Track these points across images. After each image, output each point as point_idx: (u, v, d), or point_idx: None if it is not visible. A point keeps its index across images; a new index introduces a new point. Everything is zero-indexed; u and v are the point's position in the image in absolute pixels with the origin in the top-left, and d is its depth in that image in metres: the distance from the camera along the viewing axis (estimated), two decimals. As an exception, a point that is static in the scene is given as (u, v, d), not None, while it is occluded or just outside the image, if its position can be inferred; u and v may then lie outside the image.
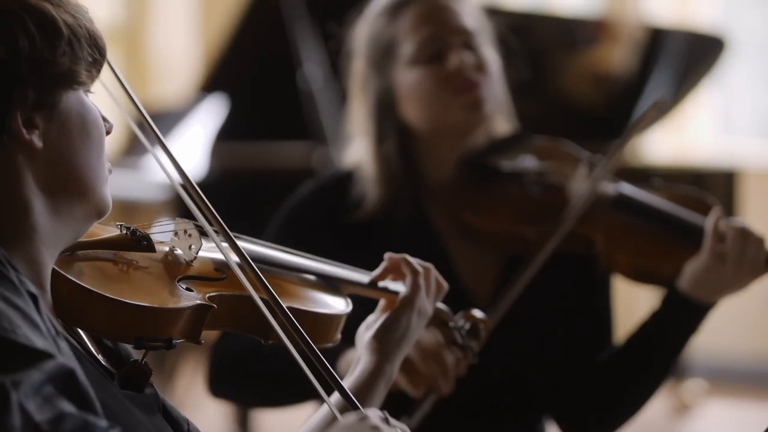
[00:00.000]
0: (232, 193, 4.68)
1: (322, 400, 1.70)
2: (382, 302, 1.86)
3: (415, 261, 1.85)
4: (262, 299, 1.59)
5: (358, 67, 2.51)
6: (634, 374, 2.42)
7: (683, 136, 6.76)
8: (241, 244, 1.62)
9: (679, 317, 2.36)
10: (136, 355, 1.61)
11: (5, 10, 1.46)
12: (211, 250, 1.68)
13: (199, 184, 1.62)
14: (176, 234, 1.67)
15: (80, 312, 1.52)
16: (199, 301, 1.58)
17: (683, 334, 2.38)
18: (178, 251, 1.66)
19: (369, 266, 1.89)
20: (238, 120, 5.22)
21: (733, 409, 6.16)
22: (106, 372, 1.54)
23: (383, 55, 2.46)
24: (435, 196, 2.50)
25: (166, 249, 1.66)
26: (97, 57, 1.53)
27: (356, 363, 1.81)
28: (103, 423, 1.31)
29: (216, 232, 1.61)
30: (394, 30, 2.45)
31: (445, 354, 2.12)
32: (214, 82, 5.31)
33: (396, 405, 1.93)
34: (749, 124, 6.92)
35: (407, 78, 2.44)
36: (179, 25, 7.83)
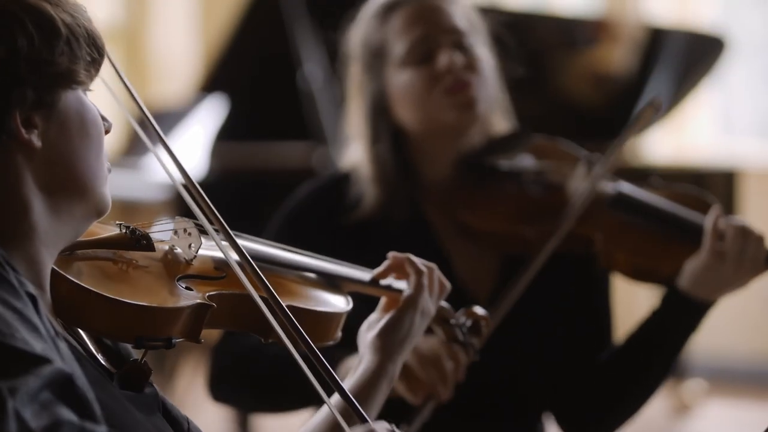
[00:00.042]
0: (232, 193, 4.68)
1: (322, 404, 1.71)
2: (383, 301, 1.87)
3: (419, 261, 1.85)
4: (262, 298, 1.59)
5: (353, 70, 2.52)
6: (634, 373, 2.42)
7: (683, 136, 6.76)
8: (241, 242, 1.62)
9: (679, 316, 2.36)
10: (136, 354, 1.61)
11: (4, 10, 1.46)
12: (211, 249, 1.68)
13: (199, 184, 1.62)
14: (176, 233, 1.67)
15: (79, 312, 1.51)
16: (198, 300, 1.58)
17: (683, 333, 2.38)
18: (178, 250, 1.66)
19: (367, 266, 1.90)
20: (238, 120, 5.23)
21: (733, 409, 6.16)
22: (105, 372, 1.54)
23: (375, 58, 2.47)
24: (432, 196, 2.50)
25: (166, 248, 1.65)
26: (96, 56, 1.52)
27: (358, 362, 1.81)
28: (101, 430, 1.30)
29: (216, 230, 1.61)
30: (384, 32, 2.46)
31: (443, 360, 2.13)
32: (214, 82, 5.32)
33: (395, 412, 1.94)
34: (749, 124, 6.92)
35: (399, 80, 2.44)
36: (179, 25, 7.83)
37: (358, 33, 2.50)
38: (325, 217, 2.48)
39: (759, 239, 2.32)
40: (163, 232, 1.67)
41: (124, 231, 1.61)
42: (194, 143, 5.20)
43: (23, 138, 1.47)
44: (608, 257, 2.43)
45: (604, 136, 3.72)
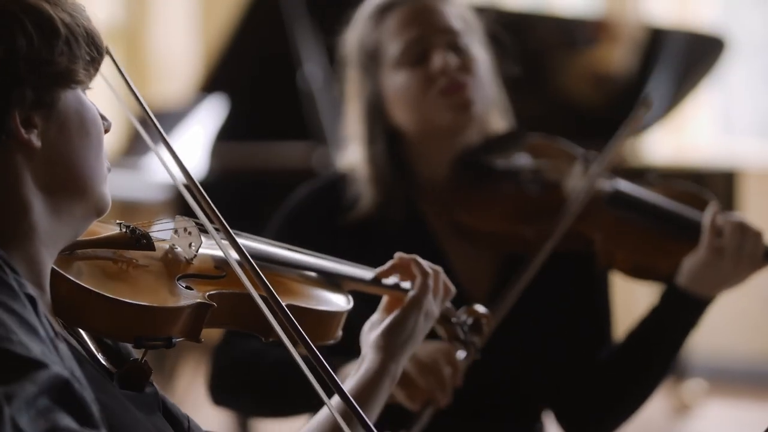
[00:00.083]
0: (232, 193, 4.68)
1: (323, 407, 1.70)
2: (385, 300, 1.87)
3: (425, 263, 1.86)
4: (262, 297, 1.59)
5: (349, 72, 2.52)
6: (634, 371, 2.42)
7: (683, 136, 6.76)
8: (241, 241, 1.61)
9: (678, 312, 2.36)
10: (137, 353, 1.61)
11: (3, 10, 1.46)
12: (211, 248, 1.67)
13: (199, 184, 1.61)
14: (176, 232, 1.66)
15: (79, 311, 1.51)
16: (199, 300, 1.58)
17: (683, 330, 2.38)
18: (178, 249, 1.66)
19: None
20: (238, 120, 5.23)
21: (733, 409, 6.16)
22: (106, 371, 1.54)
23: (370, 59, 2.47)
24: (429, 196, 2.50)
25: (166, 247, 1.65)
26: (95, 55, 1.52)
27: (360, 361, 1.81)
28: None
29: (216, 229, 1.61)
30: (379, 33, 2.46)
31: (441, 367, 2.13)
32: (214, 82, 5.32)
33: (394, 418, 1.93)
34: (749, 124, 6.92)
35: (394, 81, 2.44)
36: (179, 25, 7.83)
37: (354, 34, 2.50)
38: (324, 217, 2.48)
39: (757, 235, 2.32)
40: (163, 231, 1.66)
41: (124, 230, 1.61)
42: (194, 143, 5.20)
43: (23, 138, 1.47)
44: (607, 255, 2.43)
45: (604, 136, 3.71)
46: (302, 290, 1.78)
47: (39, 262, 1.49)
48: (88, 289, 1.50)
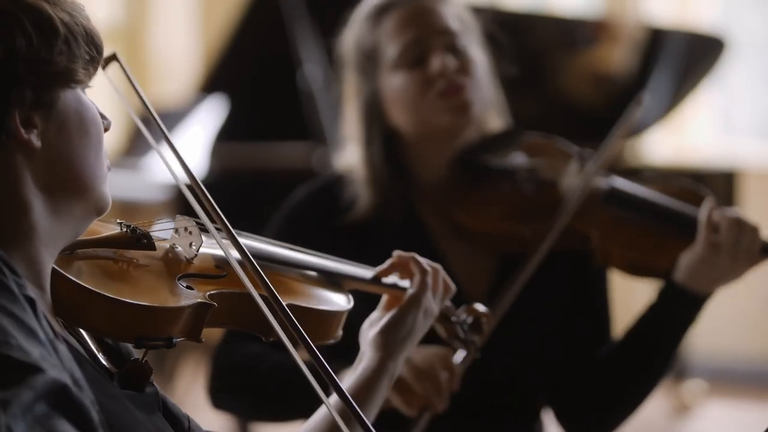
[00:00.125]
0: (232, 194, 4.68)
1: (322, 406, 1.70)
2: (384, 299, 1.87)
3: (424, 261, 1.86)
4: (263, 296, 1.59)
5: (347, 73, 2.52)
6: (633, 369, 2.42)
7: (683, 136, 6.76)
8: (242, 240, 1.61)
9: (676, 309, 2.36)
10: (137, 353, 1.61)
11: (2, 10, 1.45)
12: (211, 247, 1.67)
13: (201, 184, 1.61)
14: (177, 231, 1.66)
15: (80, 311, 1.51)
16: (199, 300, 1.58)
17: (681, 326, 2.38)
18: (179, 249, 1.65)
19: (364, 267, 1.90)
20: (238, 120, 5.23)
21: (733, 409, 6.16)
22: (106, 371, 1.54)
23: (368, 61, 2.46)
24: (427, 197, 2.50)
25: (167, 247, 1.65)
26: (95, 55, 1.52)
27: (359, 359, 1.81)
28: None
29: (217, 228, 1.61)
30: (377, 35, 2.45)
31: (438, 372, 2.13)
32: (214, 82, 5.32)
33: (391, 424, 1.93)
34: (749, 125, 6.92)
35: (392, 83, 2.44)
36: (179, 25, 7.83)
37: (351, 35, 2.50)
38: (324, 217, 2.48)
39: (753, 230, 2.33)
40: (163, 230, 1.66)
41: (124, 230, 1.61)
42: (194, 143, 5.20)
43: (22, 138, 1.46)
44: (604, 253, 2.43)
45: (604, 136, 3.72)
46: (303, 290, 1.78)
47: (39, 262, 1.49)
48: (89, 288, 1.50)
